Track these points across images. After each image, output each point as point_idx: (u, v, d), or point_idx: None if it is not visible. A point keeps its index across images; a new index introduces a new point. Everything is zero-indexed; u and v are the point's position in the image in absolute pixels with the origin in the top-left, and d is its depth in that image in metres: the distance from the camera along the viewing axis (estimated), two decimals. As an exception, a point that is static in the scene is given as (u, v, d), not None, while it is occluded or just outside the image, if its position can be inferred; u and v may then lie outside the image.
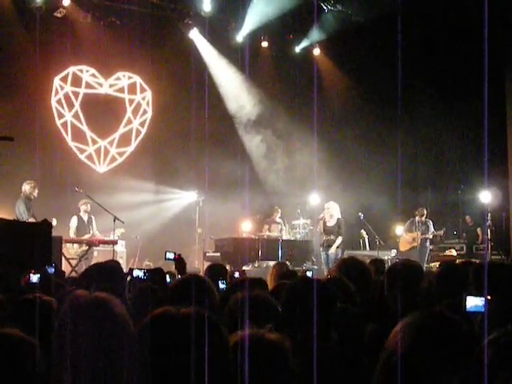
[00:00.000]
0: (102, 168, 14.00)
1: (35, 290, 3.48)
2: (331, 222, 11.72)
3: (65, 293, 3.13)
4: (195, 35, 14.43)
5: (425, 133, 14.53)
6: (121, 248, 12.29)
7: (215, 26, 14.17)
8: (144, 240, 12.95)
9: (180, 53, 13.89)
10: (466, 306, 2.67)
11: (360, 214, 12.94)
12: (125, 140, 14.23)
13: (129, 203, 12.85)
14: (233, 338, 2.08)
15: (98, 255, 11.31)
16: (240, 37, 14.61)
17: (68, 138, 13.68)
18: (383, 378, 1.41)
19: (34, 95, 12.66)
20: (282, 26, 14.79)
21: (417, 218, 12.57)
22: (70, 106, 13.67)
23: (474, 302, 2.67)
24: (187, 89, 13.03)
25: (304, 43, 15.46)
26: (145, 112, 14.49)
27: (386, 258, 11.60)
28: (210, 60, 14.75)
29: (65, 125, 13.66)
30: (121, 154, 14.22)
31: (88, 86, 13.82)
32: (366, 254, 12.37)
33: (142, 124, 14.47)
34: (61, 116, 13.62)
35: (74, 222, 11.55)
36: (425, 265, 11.49)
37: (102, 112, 13.75)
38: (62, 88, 13.61)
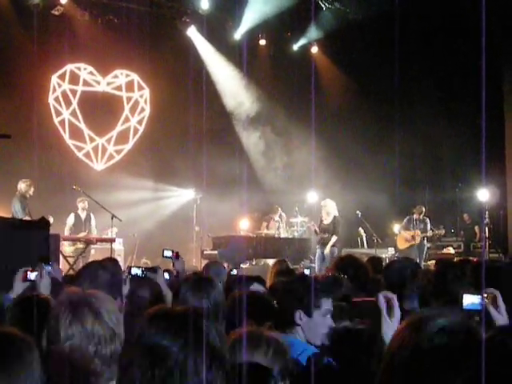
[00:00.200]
0: (99, 166, 13.99)
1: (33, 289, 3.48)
2: (327, 220, 11.57)
3: (62, 291, 3.13)
4: (193, 33, 14.43)
5: (423, 131, 14.52)
6: (118, 246, 12.29)
7: (213, 24, 14.15)
8: (142, 238, 12.95)
9: (178, 51, 13.87)
10: (462, 303, 2.67)
11: (358, 212, 12.95)
12: (122, 138, 14.22)
13: (126, 201, 12.83)
14: (231, 336, 2.09)
15: (96, 253, 11.30)
16: (238, 35, 14.61)
17: (66, 136, 13.67)
18: (386, 378, 1.41)
19: (31, 93, 12.63)
20: (280, 24, 14.78)
21: (415, 216, 12.57)
22: (68, 103, 13.65)
23: (470, 300, 2.67)
24: (185, 87, 12.98)
25: (302, 41, 15.47)
26: (142, 110, 14.48)
27: (383, 255, 11.62)
28: (207, 58, 14.74)
29: (62, 123, 13.64)
30: (118, 152, 14.21)
31: (86, 83, 13.80)
32: (363, 251, 12.39)
33: (140, 122, 14.46)
34: (58, 114, 13.60)
35: (70, 219, 11.53)
36: (423, 263, 11.49)
37: (100, 110, 13.73)
38: (59, 86, 13.60)
